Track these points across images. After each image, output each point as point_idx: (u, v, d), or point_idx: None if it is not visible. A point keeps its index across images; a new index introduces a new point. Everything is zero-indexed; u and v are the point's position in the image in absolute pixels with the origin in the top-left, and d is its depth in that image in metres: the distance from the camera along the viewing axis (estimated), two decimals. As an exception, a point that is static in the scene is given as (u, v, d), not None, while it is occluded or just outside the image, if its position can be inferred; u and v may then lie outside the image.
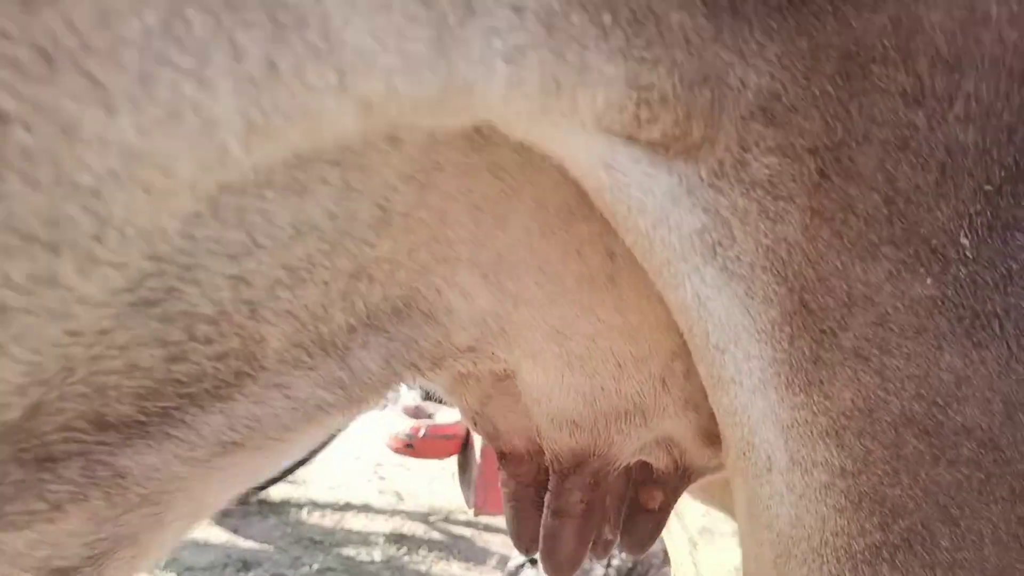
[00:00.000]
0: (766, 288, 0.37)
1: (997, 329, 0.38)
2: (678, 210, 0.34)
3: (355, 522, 3.33)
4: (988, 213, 0.38)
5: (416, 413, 1.76)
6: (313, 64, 0.21)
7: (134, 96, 0.19)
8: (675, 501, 0.59)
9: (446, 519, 3.52)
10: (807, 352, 0.39)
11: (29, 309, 0.22)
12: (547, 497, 0.56)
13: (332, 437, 3.34)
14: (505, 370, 0.49)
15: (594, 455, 0.51)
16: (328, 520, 3.31)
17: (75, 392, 0.29)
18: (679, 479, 0.57)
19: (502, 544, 3.26)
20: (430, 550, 3.13)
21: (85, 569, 0.42)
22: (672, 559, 0.84)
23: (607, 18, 0.27)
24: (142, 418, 0.32)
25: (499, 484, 0.62)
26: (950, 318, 0.38)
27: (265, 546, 2.98)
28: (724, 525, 0.75)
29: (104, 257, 0.22)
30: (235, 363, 0.33)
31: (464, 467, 1.75)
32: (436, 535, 3.33)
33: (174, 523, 0.43)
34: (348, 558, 2.97)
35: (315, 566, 2.84)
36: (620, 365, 0.46)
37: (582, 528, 0.55)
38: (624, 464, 0.54)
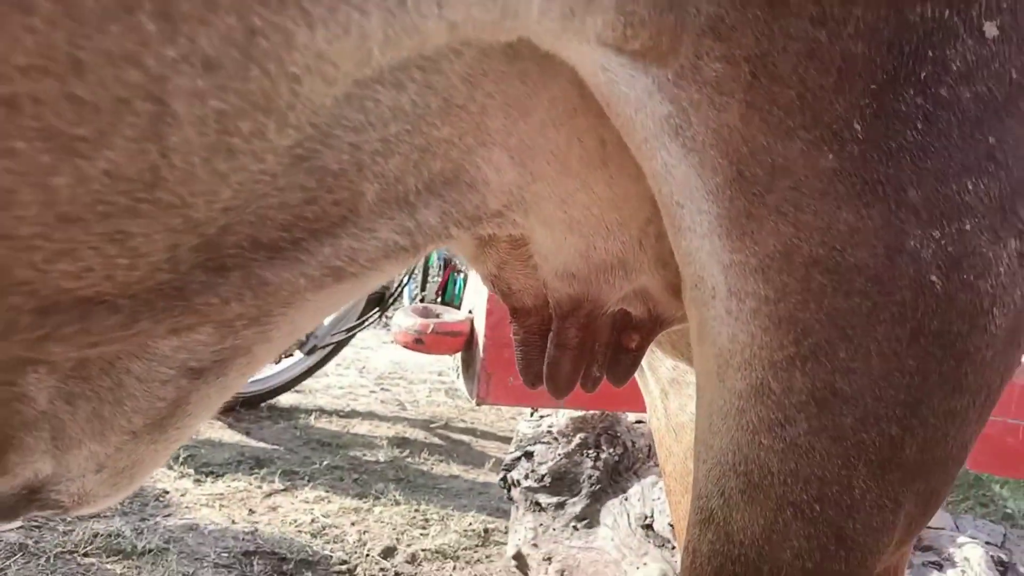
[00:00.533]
0: (713, 160, 0.48)
1: (880, 192, 0.48)
2: (652, 101, 0.47)
3: (360, 427, 3.52)
4: (874, 105, 0.47)
5: (424, 313, 1.91)
6: (423, 2, 0.35)
7: (325, 19, 0.33)
8: (649, 343, 0.73)
9: (445, 426, 3.72)
10: (742, 209, 0.49)
11: (245, 152, 0.36)
12: (550, 336, 0.70)
13: (337, 350, 3.50)
14: (521, 235, 0.64)
15: (587, 300, 0.66)
16: (335, 425, 3.50)
17: (247, 219, 0.42)
18: (652, 324, 0.71)
19: (497, 449, 3.47)
20: (431, 453, 3.32)
21: (213, 370, 0.55)
22: (647, 406, 0.99)
23: None
24: (282, 244, 0.46)
25: (511, 340, 0.76)
26: (846, 184, 0.48)
27: (276, 447, 3.16)
28: (690, 376, 0.88)
29: (292, 121, 0.36)
30: (343, 209, 0.47)
31: (468, 362, 1.91)
32: (436, 440, 3.52)
33: (277, 339, 0.57)
34: (354, 458, 3.16)
35: (324, 463, 3.03)
36: (608, 228, 0.60)
37: (576, 357, 0.70)
38: (610, 310, 0.68)
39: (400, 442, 3.40)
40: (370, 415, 3.70)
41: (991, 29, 0.48)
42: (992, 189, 0.50)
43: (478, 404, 1.88)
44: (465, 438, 3.60)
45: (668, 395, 0.91)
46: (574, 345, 0.69)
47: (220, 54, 0.31)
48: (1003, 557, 1.85)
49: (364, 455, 3.22)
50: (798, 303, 0.51)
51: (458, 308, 2.06)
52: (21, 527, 2.26)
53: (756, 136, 0.48)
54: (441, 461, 3.27)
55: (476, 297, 1.94)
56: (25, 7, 0.27)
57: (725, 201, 0.50)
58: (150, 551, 2.30)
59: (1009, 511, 3.32)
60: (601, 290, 0.65)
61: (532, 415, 2.79)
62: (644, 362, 0.91)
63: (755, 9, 0.46)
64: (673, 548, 2.15)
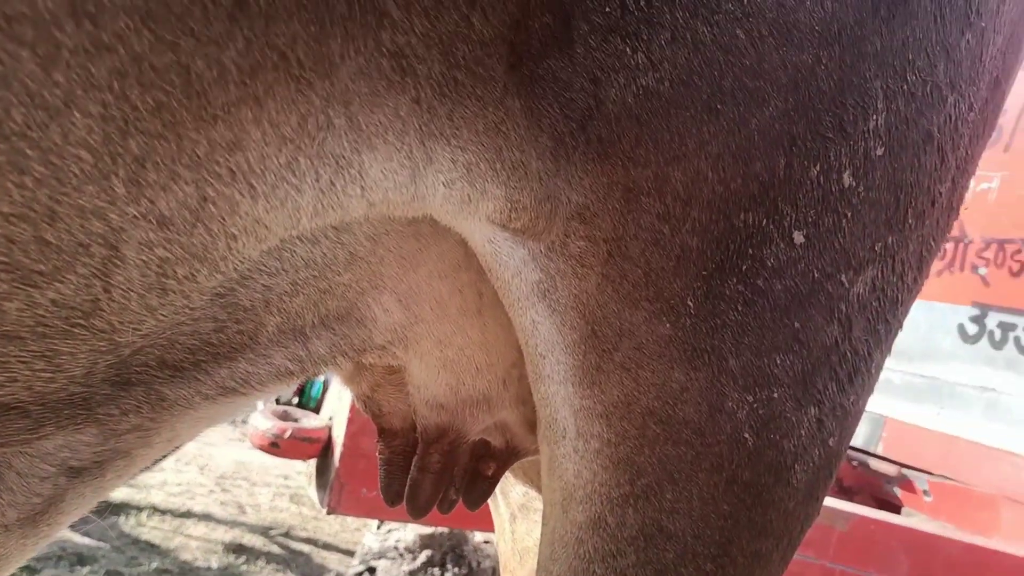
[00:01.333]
0: (572, 320, 0.56)
1: (706, 359, 0.56)
2: (526, 269, 0.54)
3: (195, 529, 3.33)
4: (704, 288, 0.55)
5: (284, 416, 1.90)
6: (351, 184, 0.42)
7: (267, 194, 0.40)
8: (504, 471, 0.80)
9: (287, 534, 3.57)
10: (593, 362, 0.56)
11: (176, 291, 0.41)
12: (415, 460, 0.76)
13: (175, 448, 3.34)
14: (397, 366, 0.70)
15: (452, 430, 0.72)
16: (167, 525, 3.29)
17: (159, 342, 0.47)
18: (508, 454, 0.78)
19: (338, 561, 3.36)
20: (268, 562, 3.17)
21: (91, 470, 0.57)
22: (496, 528, 1.04)
23: (499, 166, 0.49)
24: (185, 364, 0.50)
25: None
26: (679, 349, 0.55)
27: (101, 544, 2.94)
28: (538, 503, 0.94)
29: (222, 268, 0.42)
30: (245, 337, 0.52)
31: (322, 470, 1.89)
32: (275, 548, 3.37)
33: (157, 445, 0.59)
34: (185, 563, 2.98)
35: (152, 566, 2.84)
36: (477, 368, 0.68)
37: (437, 480, 0.76)
38: (471, 439, 0.75)
39: (236, 548, 3.24)
40: (207, 517, 3.52)
41: (799, 237, 0.58)
42: (796, 365, 0.59)
43: (328, 513, 1.86)
44: (306, 548, 3.47)
45: (516, 519, 0.97)
46: (436, 470, 0.75)
47: (174, 214, 0.37)
48: None
49: (196, 560, 3.04)
50: (634, 447, 0.58)
51: (315, 412, 2.05)
52: None
53: (608, 303, 0.56)
54: (278, 571, 3.14)
55: (338, 404, 1.95)
56: (20, 168, 0.33)
57: (579, 355, 0.57)
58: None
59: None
60: (466, 421, 0.72)
61: (378, 528, 2.75)
62: (497, 487, 0.97)
63: (614, 202, 0.54)
64: (508, 674, 2.15)
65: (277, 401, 3.46)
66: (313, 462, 1.96)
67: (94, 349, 0.40)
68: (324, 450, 1.89)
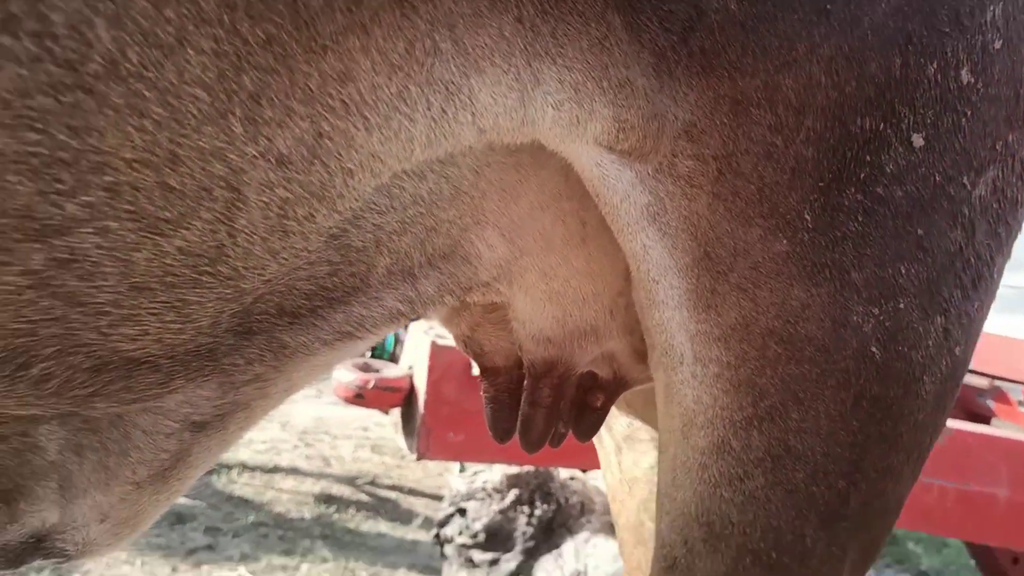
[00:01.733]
0: (684, 242, 0.55)
1: (828, 274, 0.54)
2: (635, 192, 0.53)
3: (284, 483, 3.44)
4: (822, 200, 0.53)
5: (365, 368, 1.93)
6: (461, 111, 0.41)
7: (381, 125, 0.38)
8: (613, 402, 0.79)
9: (372, 483, 3.67)
10: (707, 285, 0.55)
11: (296, 232, 0.40)
12: (524, 395, 0.75)
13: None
14: (500, 302, 0.69)
15: (560, 363, 0.71)
16: (258, 481, 3.42)
17: (278, 289, 0.47)
18: (616, 385, 0.77)
19: (425, 506, 3.45)
20: (358, 510, 3.28)
21: (214, 423, 0.58)
22: (601, 461, 1.04)
23: (605, 85, 0.47)
24: (303, 311, 0.50)
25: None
26: (798, 266, 0.54)
27: (197, 502, 3.07)
28: (643, 433, 0.94)
29: (339, 207, 0.41)
30: (357, 280, 0.51)
31: (407, 418, 1.93)
32: (363, 497, 3.48)
33: (275, 395, 0.60)
34: (279, 515, 3.09)
35: (248, 520, 2.96)
36: (584, 299, 0.66)
37: (548, 415, 0.75)
38: (579, 371, 0.74)
39: (326, 499, 3.35)
40: (294, 471, 3.63)
41: (918, 139, 0.55)
42: (921, 273, 0.57)
43: (418, 459, 1.90)
44: (392, 495, 3.56)
45: (622, 451, 0.97)
46: (547, 404, 0.74)
47: (291, 151, 0.36)
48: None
49: (289, 512, 3.15)
50: (756, 369, 0.57)
51: (387, 362, 2.08)
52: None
53: (720, 223, 0.54)
54: (368, 518, 3.23)
55: (416, 353, 1.97)
56: (139, 111, 0.31)
57: (693, 278, 0.56)
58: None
59: (923, 569, 3.47)
60: (573, 354, 0.71)
61: (461, 471, 2.80)
62: (601, 420, 0.97)
63: (722, 116, 0.52)
64: (605, 604, 2.18)
65: (353, 354, 3.53)
66: (397, 412, 1.99)
67: (220, 297, 0.40)
68: (407, 399, 1.92)
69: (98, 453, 0.54)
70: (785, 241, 0.54)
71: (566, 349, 0.70)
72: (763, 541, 0.60)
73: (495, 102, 0.42)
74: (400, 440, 1.99)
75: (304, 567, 2.67)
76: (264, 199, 0.37)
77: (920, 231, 0.56)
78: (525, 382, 0.75)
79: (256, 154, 0.35)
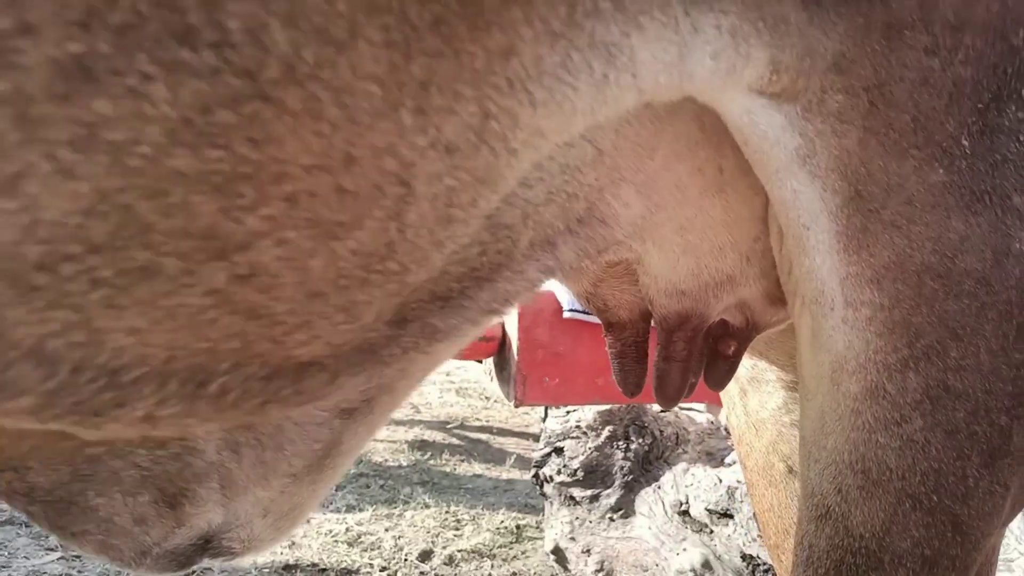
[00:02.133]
0: (834, 183, 0.52)
1: (988, 201, 0.52)
2: (784, 135, 0.50)
3: (379, 434, 3.54)
4: (980, 123, 0.51)
5: (457, 321, 1.94)
6: (623, 73, 0.38)
7: (545, 100, 0.36)
8: (745, 348, 0.76)
9: (462, 426, 3.75)
10: (859, 225, 0.53)
11: (461, 220, 0.38)
12: (658, 349, 0.73)
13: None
14: (630, 259, 0.66)
15: (695, 315, 0.69)
16: (354, 433, 3.52)
17: (433, 276, 0.45)
18: (748, 331, 0.74)
19: (516, 445, 3.50)
20: (452, 454, 3.35)
21: (361, 409, 0.58)
22: (725, 405, 1.03)
23: (761, 25, 0.43)
24: (452, 294, 0.48)
25: (606, 347, 0.79)
26: (955, 196, 0.51)
27: (302, 460, 3.19)
28: (768, 374, 0.92)
29: (500, 189, 0.39)
30: (503, 257, 0.50)
31: (502, 366, 1.94)
32: (455, 440, 3.55)
33: (416, 375, 0.60)
34: (378, 464, 3.19)
35: (350, 472, 3.06)
36: (720, 248, 0.64)
37: (684, 368, 0.74)
38: (712, 321, 0.72)
39: (420, 445, 3.43)
40: (388, 421, 3.72)
41: None
42: None
43: (516, 406, 1.91)
44: (483, 436, 3.63)
45: (747, 393, 0.95)
46: (682, 357, 0.72)
47: (459, 138, 0.34)
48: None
49: (387, 461, 3.24)
50: (911, 308, 0.54)
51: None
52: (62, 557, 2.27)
53: (873, 158, 0.51)
54: (463, 461, 3.31)
55: (504, 301, 1.97)
56: (316, 114, 0.30)
57: (843, 219, 0.53)
58: (192, 571, 2.32)
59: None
60: (708, 304, 0.68)
61: (545, 415, 2.82)
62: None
63: (873, 44, 0.49)
64: (711, 532, 2.19)
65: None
66: (491, 361, 2.00)
67: (388, 293, 0.39)
68: (500, 347, 1.93)
69: (255, 450, 0.54)
70: (942, 171, 0.51)
71: (700, 301, 0.68)
72: (923, 485, 0.58)
73: (655, 59, 0.39)
74: (497, 388, 2.01)
75: (408, 515, 2.75)
76: (433, 190, 0.35)
77: None
78: (658, 337, 0.73)
79: (426, 144, 0.33)
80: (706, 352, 0.77)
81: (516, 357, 1.84)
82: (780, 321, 0.76)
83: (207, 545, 0.56)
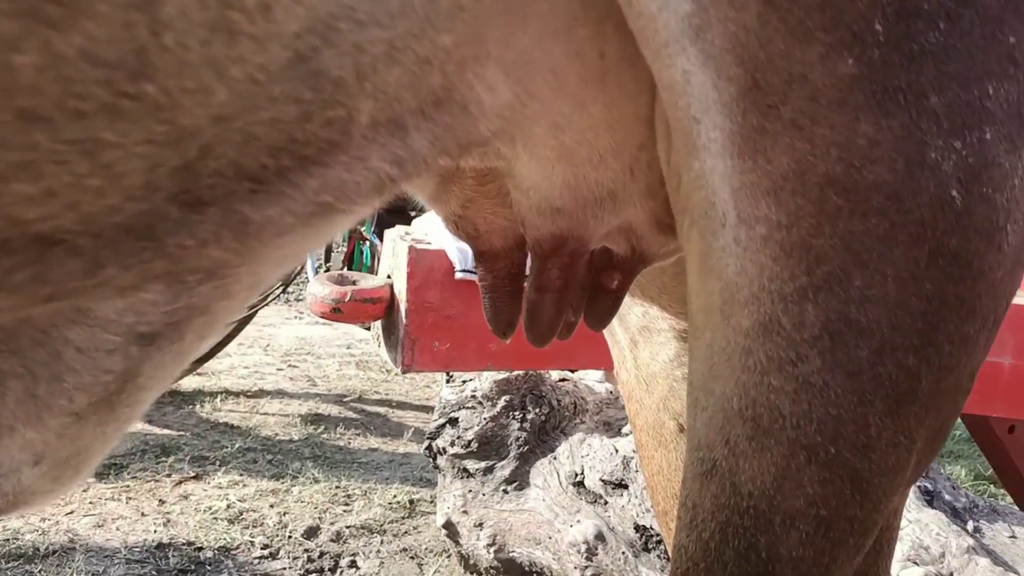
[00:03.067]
0: (729, 68, 0.44)
1: (902, 100, 0.45)
2: None
3: (270, 407, 3.38)
4: (896, 2, 0.44)
5: (340, 280, 1.82)
6: None
7: None
8: (630, 282, 0.69)
9: (359, 399, 3.62)
10: (755, 123, 0.45)
11: (248, 35, 0.29)
12: (530, 279, 0.65)
13: (239, 329, 3.33)
14: (496, 168, 0.58)
15: (572, 238, 0.61)
16: (243, 407, 3.35)
17: (232, 138, 0.35)
18: (634, 262, 0.67)
19: (415, 419, 3.41)
20: (347, 428, 3.23)
21: (166, 334, 0.47)
22: (615, 358, 0.96)
23: None
24: (267, 174, 0.38)
25: (477, 281, 0.70)
26: (866, 92, 0.44)
27: (182, 433, 3.00)
28: (660, 323, 0.85)
29: None
30: (335, 132, 0.40)
31: (389, 330, 1.83)
32: (351, 414, 3.43)
33: (238, 294, 0.49)
34: (267, 439, 3.04)
35: (235, 447, 2.90)
36: (601, 156, 0.56)
37: (559, 300, 0.65)
38: (592, 248, 0.64)
39: (314, 419, 3.29)
40: (280, 393, 3.57)
41: None
42: (1012, 94, 0.47)
43: (403, 372, 1.81)
44: (381, 410, 3.52)
45: (638, 344, 0.87)
46: (556, 287, 0.64)
47: None
48: (928, 486, 1.94)
49: (277, 435, 3.10)
50: (811, 228, 0.47)
51: (365, 274, 1.97)
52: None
53: (773, 39, 0.44)
54: (358, 435, 3.19)
55: (393, 260, 1.86)
56: None
57: (738, 115, 0.46)
58: (54, 552, 2.14)
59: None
60: (587, 226, 0.60)
61: (448, 381, 2.74)
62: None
63: None
64: (606, 503, 2.16)
65: (327, 270, 3.41)
66: (378, 325, 1.89)
67: (152, 139, 0.29)
68: (388, 310, 1.82)
69: (23, 380, 0.43)
70: (851, 60, 0.44)
71: (578, 221, 0.60)
72: (819, 434, 0.51)
73: None
74: (383, 354, 1.91)
75: (295, 490, 2.63)
76: None
77: (1012, 39, 0.46)
78: (532, 264, 0.65)
79: None
80: (587, 286, 0.69)
81: (404, 320, 1.74)
82: (670, 252, 0.68)
83: (-44, 501, 0.44)
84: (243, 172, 0.38)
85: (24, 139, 0.25)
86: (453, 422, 2.47)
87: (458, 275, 1.74)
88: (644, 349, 0.88)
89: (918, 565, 1.64)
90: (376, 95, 0.41)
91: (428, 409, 3.34)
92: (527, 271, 0.70)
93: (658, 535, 2.03)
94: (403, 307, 1.77)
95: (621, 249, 0.66)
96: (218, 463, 2.78)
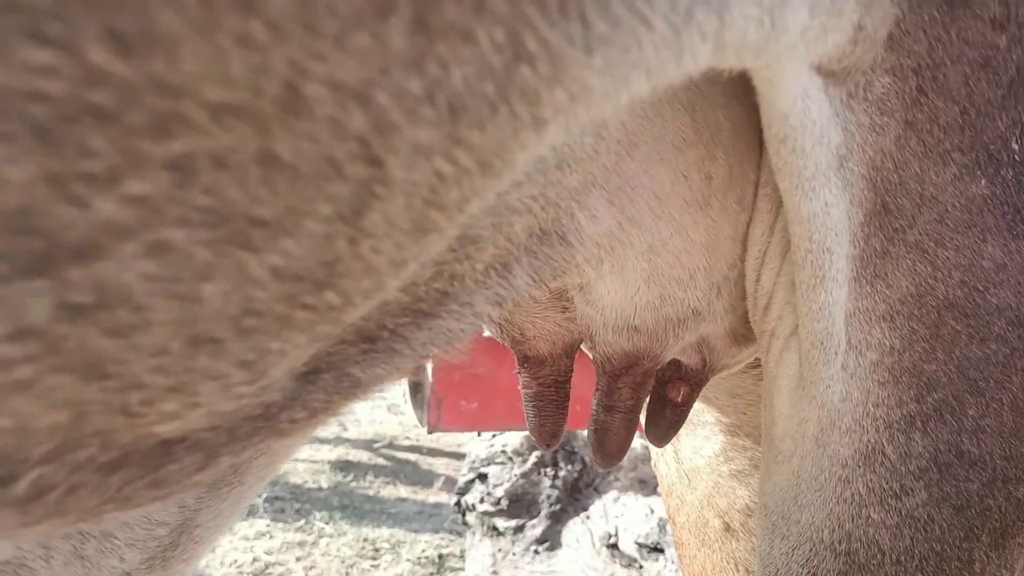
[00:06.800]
0: (860, 194, 0.42)
1: None
2: (829, 129, 0.40)
3: (300, 453, 3.36)
4: None
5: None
6: (708, 16, 0.26)
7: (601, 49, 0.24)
8: (697, 395, 0.65)
9: (390, 445, 3.59)
10: (878, 248, 0.43)
11: (437, 229, 0.26)
12: (597, 397, 0.62)
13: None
14: (570, 285, 0.55)
15: (647, 356, 0.57)
16: (271, 452, 3.33)
17: (371, 314, 0.33)
18: (704, 374, 0.63)
19: (446, 466, 3.37)
20: (376, 475, 3.20)
21: (227, 479, 0.43)
22: (653, 453, 0.91)
23: None
24: (384, 335, 0.36)
25: (520, 387, 0.67)
26: (996, 214, 0.43)
27: (211, 480, 2.99)
28: (705, 415, 0.82)
29: (504, 180, 0.26)
30: (454, 284, 0.38)
31: (416, 388, 1.80)
32: (381, 461, 3.39)
33: (304, 432, 0.47)
34: (295, 486, 3.01)
35: (263, 495, 2.87)
36: (692, 277, 0.53)
37: (630, 420, 0.62)
38: (664, 363, 0.61)
39: (343, 465, 3.26)
40: (310, 439, 3.54)
41: None
42: None
43: (430, 431, 1.78)
44: (411, 456, 3.48)
45: (680, 437, 0.83)
46: (628, 407, 0.60)
47: (470, 89, 0.21)
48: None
49: (305, 482, 3.07)
50: (924, 353, 0.45)
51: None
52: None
53: (908, 162, 0.42)
54: (388, 483, 3.15)
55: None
56: (247, 8, 0.17)
57: (862, 240, 0.44)
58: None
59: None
60: (665, 344, 0.57)
61: (479, 434, 2.71)
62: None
63: (932, 10, 0.40)
64: (641, 567, 2.10)
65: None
66: (406, 381, 1.87)
67: (313, 338, 0.26)
68: (416, 368, 1.79)
69: (71, 540, 0.39)
70: (984, 181, 0.42)
71: (656, 339, 0.56)
72: (921, 571, 0.49)
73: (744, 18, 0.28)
74: (409, 411, 1.88)
75: (322, 543, 2.59)
76: (414, 177, 0.22)
77: None
78: (599, 382, 0.61)
79: (421, 93, 0.20)
80: (653, 399, 0.66)
81: (431, 379, 1.71)
82: (739, 363, 0.65)
83: None
84: (362, 336, 0.35)
85: (186, 364, 0.23)
86: (483, 477, 2.43)
87: (486, 333, 1.70)
88: (687, 442, 0.84)
89: None
90: (501, 243, 0.38)
91: (459, 456, 3.30)
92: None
93: (696, 605, 1.96)
94: (429, 365, 1.74)
95: (692, 362, 0.63)
96: (245, 512, 2.75)
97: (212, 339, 0.22)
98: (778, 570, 0.53)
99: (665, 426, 0.69)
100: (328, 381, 0.33)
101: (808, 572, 0.51)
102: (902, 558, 0.48)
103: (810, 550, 0.51)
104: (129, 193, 0.19)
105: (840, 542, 0.50)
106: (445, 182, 0.23)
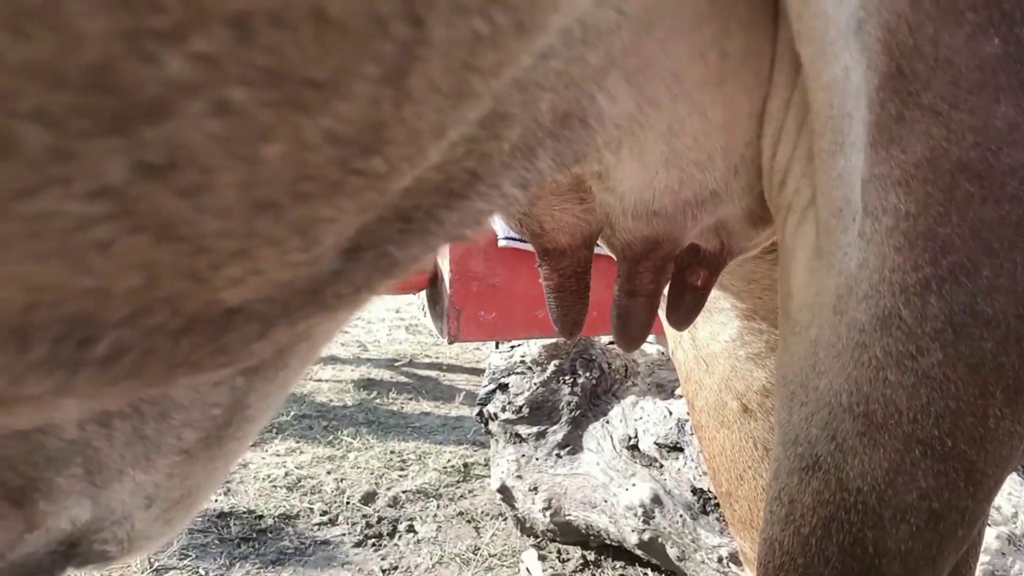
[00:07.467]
0: (875, 58, 0.43)
1: None
2: None
3: (323, 373, 3.43)
4: None
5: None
6: None
7: None
8: (716, 279, 0.66)
9: (410, 363, 3.65)
10: (893, 112, 0.44)
11: (475, 95, 0.27)
12: (618, 283, 0.63)
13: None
14: (588, 172, 0.56)
15: (666, 240, 0.59)
16: (295, 374, 3.41)
17: (407, 185, 0.34)
18: (722, 258, 0.65)
19: (466, 381, 3.43)
20: (399, 392, 3.27)
21: (271, 362, 0.44)
22: (669, 338, 0.93)
23: None
24: (419, 214, 0.37)
25: (540, 280, 0.68)
26: (1009, 73, 0.43)
27: (239, 402, 3.07)
28: (721, 302, 0.84)
29: (535, 47, 0.27)
30: (483, 163, 0.39)
31: (434, 300, 1.83)
32: (403, 378, 3.47)
33: (341, 317, 0.48)
34: (322, 405, 3.09)
35: (291, 414, 2.95)
36: (710, 158, 0.53)
37: (651, 304, 0.64)
38: (683, 247, 0.62)
39: (366, 384, 3.34)
40: (332, 359, 3.61)
41: None
42: None
43: (450, 342, 1.81)
44: (432, 373, 3.55)
45: (696, 324, 0.85)
46: (648, 291, 0.62)
47: None
48: None
49: (331, 401, 3.15)
50: (939, 216, 0.46)
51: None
52: None
53: (923, 23, 0.42)
54: (411, 399, 3.23)
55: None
56: None
57: (877, 105, 0.44)
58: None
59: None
60: (684, 228, 0.58)
61: (497, 347, 2.75)
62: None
63: None
64: (661, 467, 2.16)
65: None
66: (423, 293, 1.89)
67: (360, 207, 0.27)
68: (432, 280, 1.82)
69: (130, 421, 0.41)
70: (997, 40, 0.42)
71: (676, 223, 0.57)
72: (937, 428, 0.50)
73: None
74: (429, 323, 1.91)
75: (351, 456, 2.67)
76: (453, 36, 0.23)
77: None
78: (620, 267, 0.63)
79: None
80: (673, 284, 0.67)
81: (448, 290, 1.73)
82: (756, 246, 0.66)
83: (72, 551, 0.42)
84: (400, 214, 0.36)
85: (248, 228, 0.24)
86: (503, 388, 2.48)
87: (501, 243, 1.72)
88: (703, 329, 0.85)
89: (990, 526, 1.62)
90: (526, 123, 0.39)
91: (479, 372, 3.36)
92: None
93: (715, 498, 2.03)
94: (447, 277, 1.76)
95: (710, 246, 0.64)
96: (275, 431, 2.83)
97: (272, 203, 0.24)
98: (797, 435, 0.55)
99: (685, 310, 0.71)
100: (369, 259, 0.35)
101: (827, 435, 0.53)
102: (919, 416, 0.50)
103: (829, 414, 0.53)
104: (195, 50, 0.20)
105: (858, 404, 0.51)
106: (482, 43, 0.24)
